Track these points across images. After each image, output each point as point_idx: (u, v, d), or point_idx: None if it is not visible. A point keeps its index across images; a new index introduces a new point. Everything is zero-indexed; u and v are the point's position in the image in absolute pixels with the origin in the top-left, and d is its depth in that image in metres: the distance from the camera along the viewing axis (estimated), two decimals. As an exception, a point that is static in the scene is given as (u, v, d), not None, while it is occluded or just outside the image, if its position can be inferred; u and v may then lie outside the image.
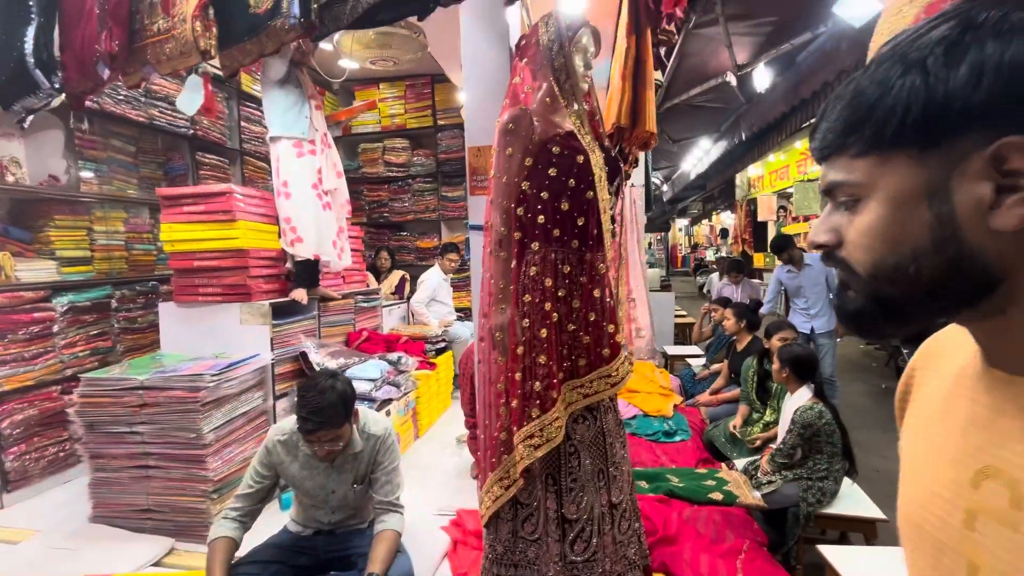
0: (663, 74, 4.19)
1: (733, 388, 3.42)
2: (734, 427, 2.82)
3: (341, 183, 2.95)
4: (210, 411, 2.12)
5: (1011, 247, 0.36)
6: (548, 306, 1.33)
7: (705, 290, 6.92)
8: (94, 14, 1.16)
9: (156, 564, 1.96)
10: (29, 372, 2.54)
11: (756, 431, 2.79)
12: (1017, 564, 0.35)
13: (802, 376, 2.28)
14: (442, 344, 3.88)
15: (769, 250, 6.49)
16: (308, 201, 2.69)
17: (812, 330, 3.93)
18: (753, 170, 9.72)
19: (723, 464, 2.68)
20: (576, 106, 1.41)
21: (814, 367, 2.30)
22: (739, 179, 10.84)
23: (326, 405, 1.49)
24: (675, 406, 3.39)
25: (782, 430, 2.41)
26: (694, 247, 18.90)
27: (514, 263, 1.34)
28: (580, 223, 1.35)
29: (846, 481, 2.27)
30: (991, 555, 0.37)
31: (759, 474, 2.34)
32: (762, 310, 4.46)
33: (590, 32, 1.42)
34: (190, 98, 2.19)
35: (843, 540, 2.33)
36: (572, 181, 1.33)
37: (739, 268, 5.13)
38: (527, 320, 1.32)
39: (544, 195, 1.33)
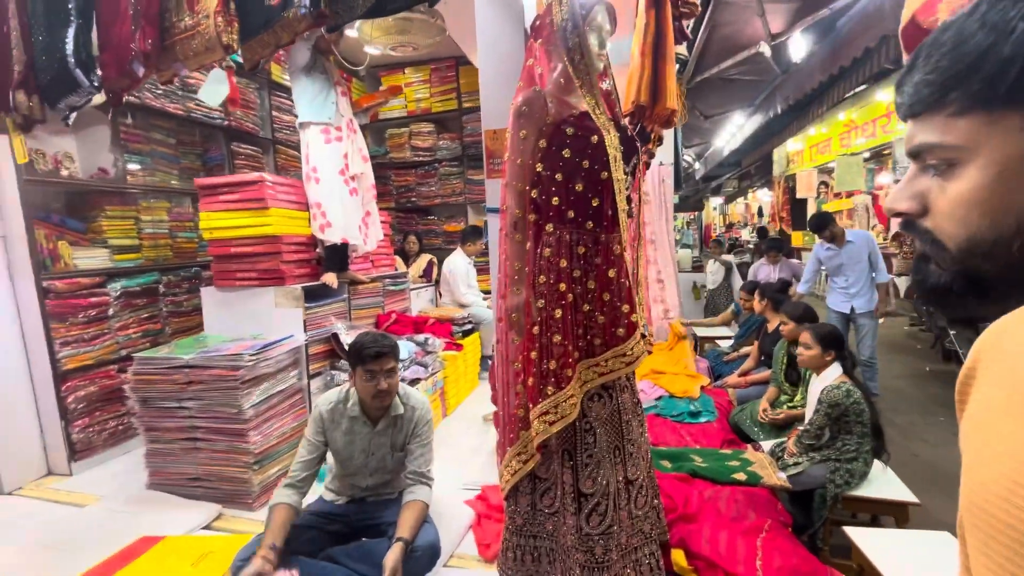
0: (688, 47, 4.04)
1: (763, 370, 3.37)
2: (763, 412, 2.79)
3: (367, 168, 3.02)
4: (249, 388, 2.25)
5: None
6: (563, 287, 1.35)
7: (707, 282, 6.31)
8: (128, 14, 1.23)
9: (206, 527, 2.13)
10: (89, 352, 2.75)
11: (782, 412, 2.75)
12: None
13: (830, 347, 2.22)
14: (469, 326, 3.95)
15: (808, 228, 6.21)
16: (335, 186, 2.77)
17: (852, 309, 3.80)
18: (792, 145, 9.30)
19: (749, 446, 2.66)
20: (591, 86, 1.40)
21: (841, 341, 2.25)
22: (777, 154, 10.39)
23: (386, 337, 1.75)
24: (702, 387, 3.36)
25: (809, 411, 2.37)
26: (729, 226, 18.30)
27: (529, 245, 1.37)
28: (595, 204, 1.35)
29: (878, 464, 2.21)
30: None
31: (785, 455, 2.31)
32: (799, 289, 4.33)
33: (605, 10, 1.40)
34: (214, 90, 2.26)
35: (874, 523, 2.30)
36: (586, 162, 1.33)
37: (778, 247, 4.97)
38: (542, 301, 1.35)
39: (558, 176, 1.34)
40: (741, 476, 2.24)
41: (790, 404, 2.81)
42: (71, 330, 2.67)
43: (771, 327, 3.41)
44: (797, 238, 9.95)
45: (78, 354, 2.70)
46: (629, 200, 1.45)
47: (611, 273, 1.37)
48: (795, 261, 5.20)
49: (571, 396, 1.33)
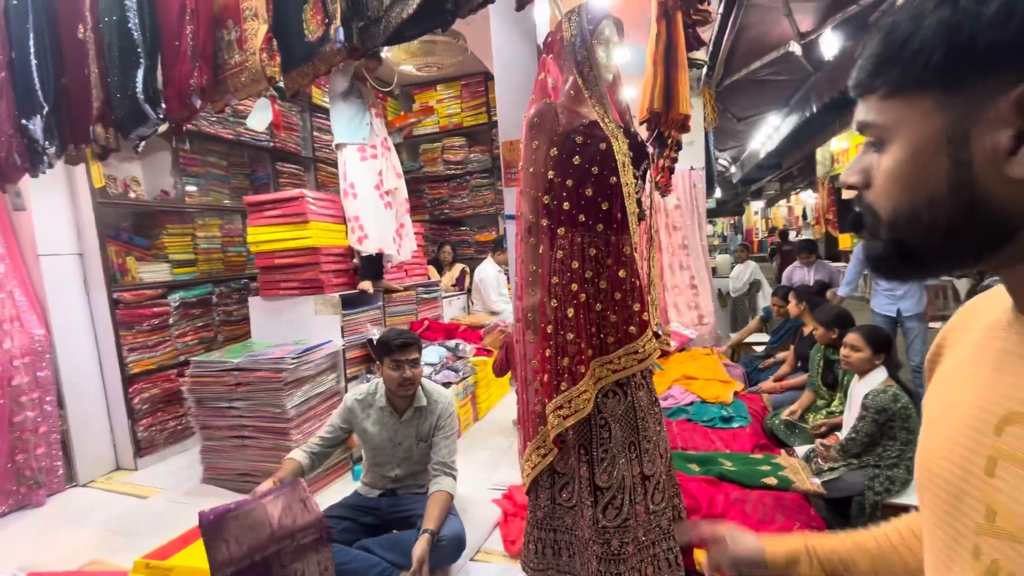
0: (713, 51, 4.02)
1: (799, 375, 3.28)
2: (790, 413, 2.73)
3: (401, 183, 3.19)
4: (291, 390, 2.42)
5: None
6: (575, 287, 1.41)
7: (730, 289, 6.01)
8: (187, 56, 1.41)
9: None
10: (152, 358, 3.02)
11: (821, 418, 2.68)
12: None
13: (881, 350, 2.16)
14: (499, 332, 4.04)
15: (848, 227, 5.97)
16: (371, 201, 2.94)
17: (899, 312, 3.65)
18: (836, 143, 8.96)
19: (782, 451, 2.60)
20: (600, 96, 1.47)
21: (891, 343, 2.19)
22: (820, 154, 10.03)
23: (410, 331, 1.94)
24: (735, 393, 3.31)
25: (849, 416, 2.31)
26: (772, 231, 17.71)
27: (542, 248, 1.44)
28: (604, 208, 1.42)
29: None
30: (1009, 499, 0.36)
31: (819, 460, 2.26)
32: (840, 292, 4.19)
33: (612, 24, 1.47)
34: (260, 116, 2.49)
35: (920, 533, 2.20)
36: (595, 168, 1.40)
37: (811, 248, 4.82)
38: (555, 301, 1.42)
39: (569, 183, 1.41)
40: (771, 480, 2.20)
41: (828, 410, 2.73)
42: (137, 337, 2.93)
43: (807, 331, 3.32)
44: (845, 241, 9.52)
45: (143, 359, 2.96)
46: (639, 203, 1.50)
47: (622, 273, 1.42)
48: (835, 265, 5.02)
49: (584, 391, 1.39)
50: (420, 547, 1.60)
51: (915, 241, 0.40)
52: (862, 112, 0.43)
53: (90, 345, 2.85)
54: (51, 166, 1.83)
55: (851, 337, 2.24)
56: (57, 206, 2.74)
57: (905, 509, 2.04)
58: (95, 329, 2.86)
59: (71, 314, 2.77)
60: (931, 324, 3.82)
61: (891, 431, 2.06)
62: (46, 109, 1.71)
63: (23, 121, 1.77)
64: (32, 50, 1.68)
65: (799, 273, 4.71)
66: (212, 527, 1.27)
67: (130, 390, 2.89)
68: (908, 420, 2.03)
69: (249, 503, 1.37)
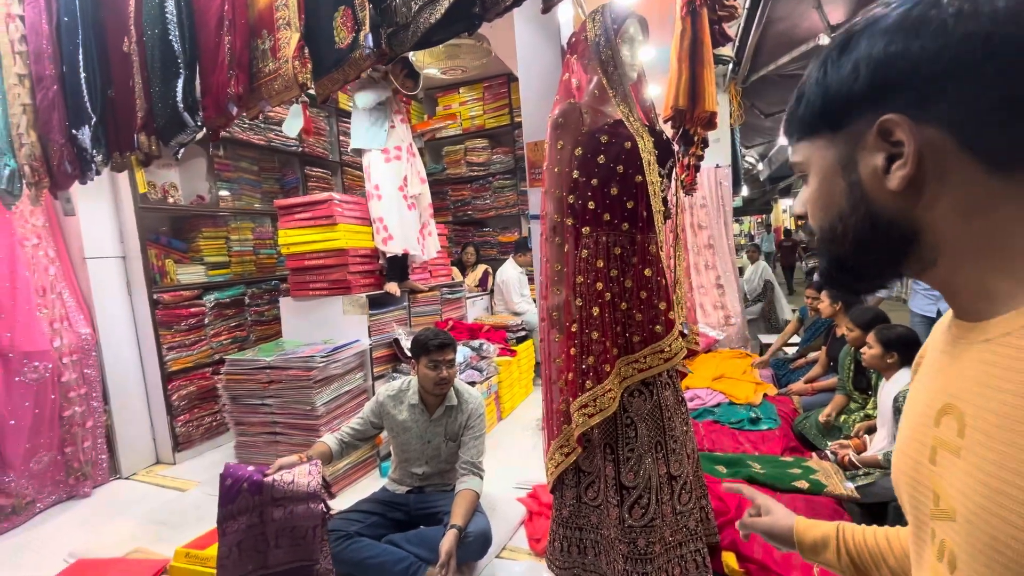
0: (740, 46, 3.95)
1: (831, 376, 3.19)
2: (825, 416, 2.65)
3: (424, 188, 3.24)
4: (321, 388, 2.48)
5: (910, 204, 0.43)
6: (600, 286, 1.41)
7: (746, 291, 5.80)
8: (224, 64, 1.47)
9: (285, 513, 2.36)
10: (189, 356, 3.13)
11: (855, 420, 2.61)
12: (959, 486, 0.39)
13: (893, 348, 2.10)
14: (522, 333, 4.05)
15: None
16: (395, 201, 3.00)
17: (938, 313, 3.51)
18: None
19: (813, 454, 2.54)
20: (625, 95, 1.47)
21: (912, 343, 2.12)
22: (851, 150, 9.73)
23: (446, 332, 1.96)
24: (765, 395, 3.24)
25: (882, 419, 2.24)
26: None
27: (567, 247, 1.45)
28: (629, 206, 1.41)
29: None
30: (945, 482, 0.41)
31: (844, 461, 2.20)
32: (879, 293, 4.06)
33: (637, 22, 1.47)
34: (292, 123, 2.57)
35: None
36: (620, 167, 1.40)
37: None
38: (580, 300, 1.42)
39: (594, 182, 1.42)
40: (803, 484, 2.15)
41: (865, 412, 2.65)
42: (175, 336, 3.05)
43: (839, 332, 3.23)
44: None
45: (180, 357, 3.08)
46: (665, 202, 1.49)
47: (647, 272, 1.42)
48: None
49: (609, 390, 1.39)
50: (448, 541, 1.63)
51: (840, 252, 0.49)
52: (790, 154, 0.53)
53: (132, 344, 2.98)
54: (99, 173, 1.93)
55: (869, 334, 2.21)
56: (102, 212, 2.88)
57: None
58: (137, 328, 2.99)
59: (115, 314, 2.91)
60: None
61: None
62: (94, 119, 1.80)
63: (73, 131, 1.87)
64: (81, 64, 1.77)
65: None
66: (229, 490, 1.52)
67: (169, 387, 3.01)
68: None
69: (264, 480, 1.50)
